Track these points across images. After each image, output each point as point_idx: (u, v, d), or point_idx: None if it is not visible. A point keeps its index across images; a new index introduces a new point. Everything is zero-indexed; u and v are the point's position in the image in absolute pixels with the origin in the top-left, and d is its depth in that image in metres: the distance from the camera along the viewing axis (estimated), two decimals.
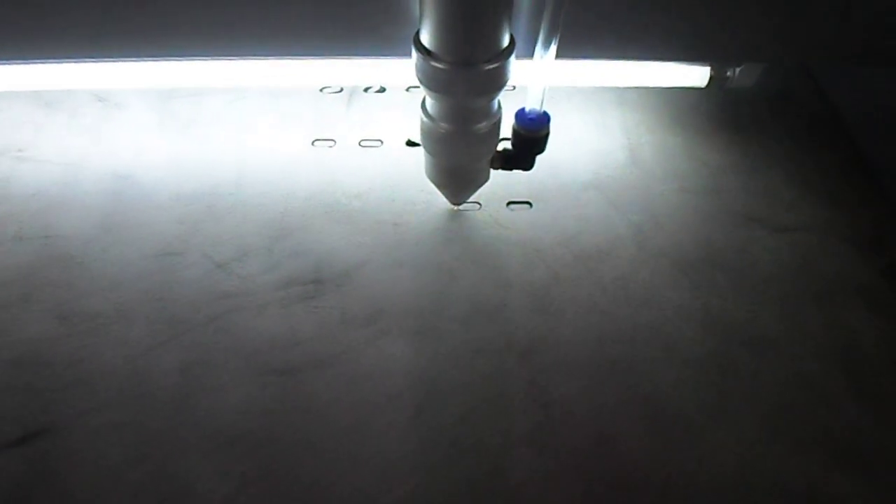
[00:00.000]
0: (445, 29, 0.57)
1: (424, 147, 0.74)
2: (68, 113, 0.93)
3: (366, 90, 0.98)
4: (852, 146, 0.96)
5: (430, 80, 0.62)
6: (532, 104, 0.71)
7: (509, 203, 0.87)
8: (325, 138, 0.91)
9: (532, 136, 0.73)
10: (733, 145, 0.95)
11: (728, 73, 0.91)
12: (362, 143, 0.91)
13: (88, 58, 0.85)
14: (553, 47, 0.64)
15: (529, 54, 0.65)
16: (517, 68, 0.64)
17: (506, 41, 0.60)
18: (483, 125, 0.69)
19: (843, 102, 1.00)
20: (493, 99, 0.67)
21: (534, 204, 0.87)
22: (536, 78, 0.68)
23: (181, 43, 0.79)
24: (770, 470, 0.67)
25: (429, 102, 0.69)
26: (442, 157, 0.74)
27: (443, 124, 0.68)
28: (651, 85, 0.94)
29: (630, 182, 0.89)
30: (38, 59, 0.85)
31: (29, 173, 0.85)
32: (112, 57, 0.85)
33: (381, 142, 0.91)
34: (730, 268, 0.82)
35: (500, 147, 0.76)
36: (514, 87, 0.89)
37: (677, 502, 0.64)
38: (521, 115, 0.72)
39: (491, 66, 0.60)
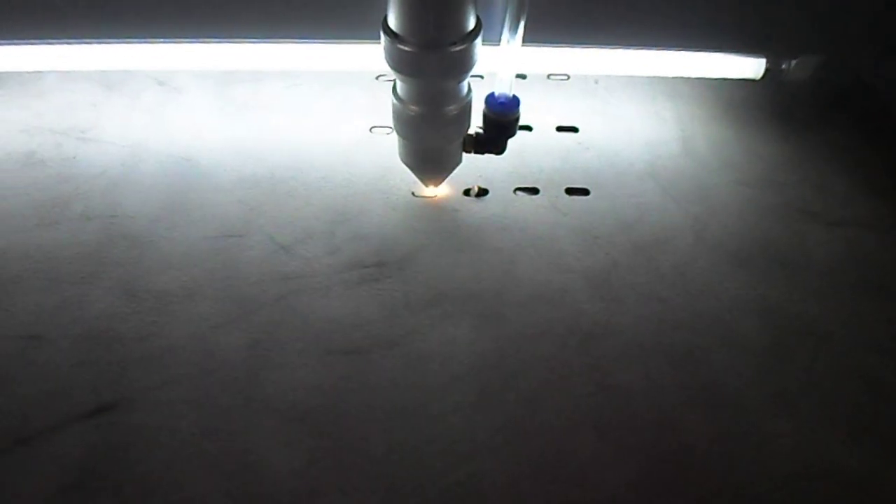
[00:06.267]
0: (411, 12, 0.58)
1: (396, 130, 0.75)
2: (129, 95, 0.94)
3: None
4: None
5: (398, 63, 0.63)
6: (501, 88, 0.72)
7: (567, 190, 0.87)
8: (382, 125, 0.92)
9: (502, 120, 0.74)
10: (787, 138, 0.95)
11: (783, 66, 0.91)
12: None
13: (147, 38, 0.86)
14: (520, 31, 0.64)
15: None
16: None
17: (472, 24, 0.61)
18: (452, 108, 0.69)
19: None
20: (461, 81, 0.67)
21: (591, 191, 0.87)
22: (505, 62, 0.68)
23: (239, 25, 0.80)
24: (827, 458, 0.67)
25: (399, 85, 0.69)
26: (413, 140, 0.75)
27: (412, 107, 0.69)
28: (705, 76, 0.94)
29: (685, 173, 0.90)
30: (98, 39, 0.87)
31: (93, 154, 0.87)
32: (171, 37, 0.86)
33: None
34: (786, 260, 0.82)
35: (472, 130, 0.76)
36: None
37: (737, 487, 0.65)
38: (490, 99, 0.73)
39: (457, 49, 0.61)
